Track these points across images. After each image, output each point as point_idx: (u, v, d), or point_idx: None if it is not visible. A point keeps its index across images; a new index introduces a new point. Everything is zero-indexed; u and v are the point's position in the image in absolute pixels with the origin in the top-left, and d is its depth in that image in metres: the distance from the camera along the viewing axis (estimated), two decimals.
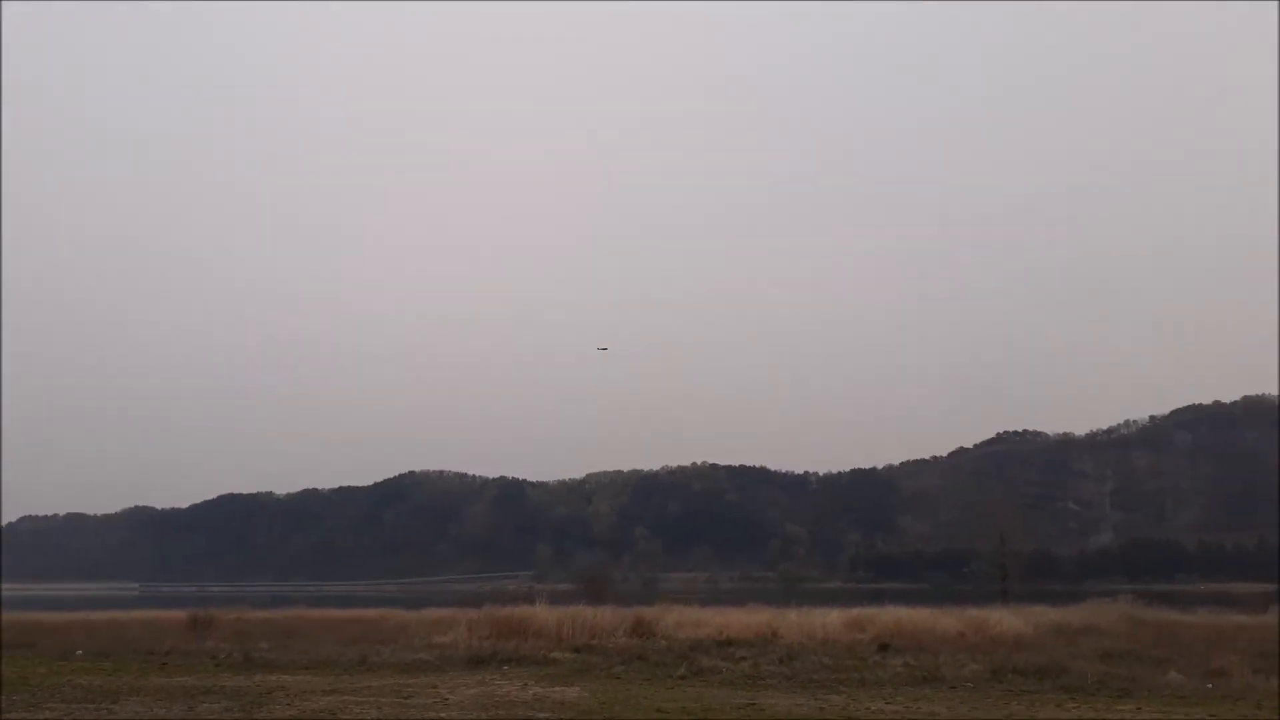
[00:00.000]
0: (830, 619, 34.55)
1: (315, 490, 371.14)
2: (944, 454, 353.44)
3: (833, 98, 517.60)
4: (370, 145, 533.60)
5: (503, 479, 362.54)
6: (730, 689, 20.19)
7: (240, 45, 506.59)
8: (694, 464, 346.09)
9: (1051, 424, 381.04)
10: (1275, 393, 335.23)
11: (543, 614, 33.10)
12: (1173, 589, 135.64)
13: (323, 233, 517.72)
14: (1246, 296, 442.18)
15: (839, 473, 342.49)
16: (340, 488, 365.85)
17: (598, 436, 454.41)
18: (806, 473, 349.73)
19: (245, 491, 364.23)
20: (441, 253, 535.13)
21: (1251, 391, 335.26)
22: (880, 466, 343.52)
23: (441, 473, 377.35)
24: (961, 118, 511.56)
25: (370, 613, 52.05)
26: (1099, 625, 37.37)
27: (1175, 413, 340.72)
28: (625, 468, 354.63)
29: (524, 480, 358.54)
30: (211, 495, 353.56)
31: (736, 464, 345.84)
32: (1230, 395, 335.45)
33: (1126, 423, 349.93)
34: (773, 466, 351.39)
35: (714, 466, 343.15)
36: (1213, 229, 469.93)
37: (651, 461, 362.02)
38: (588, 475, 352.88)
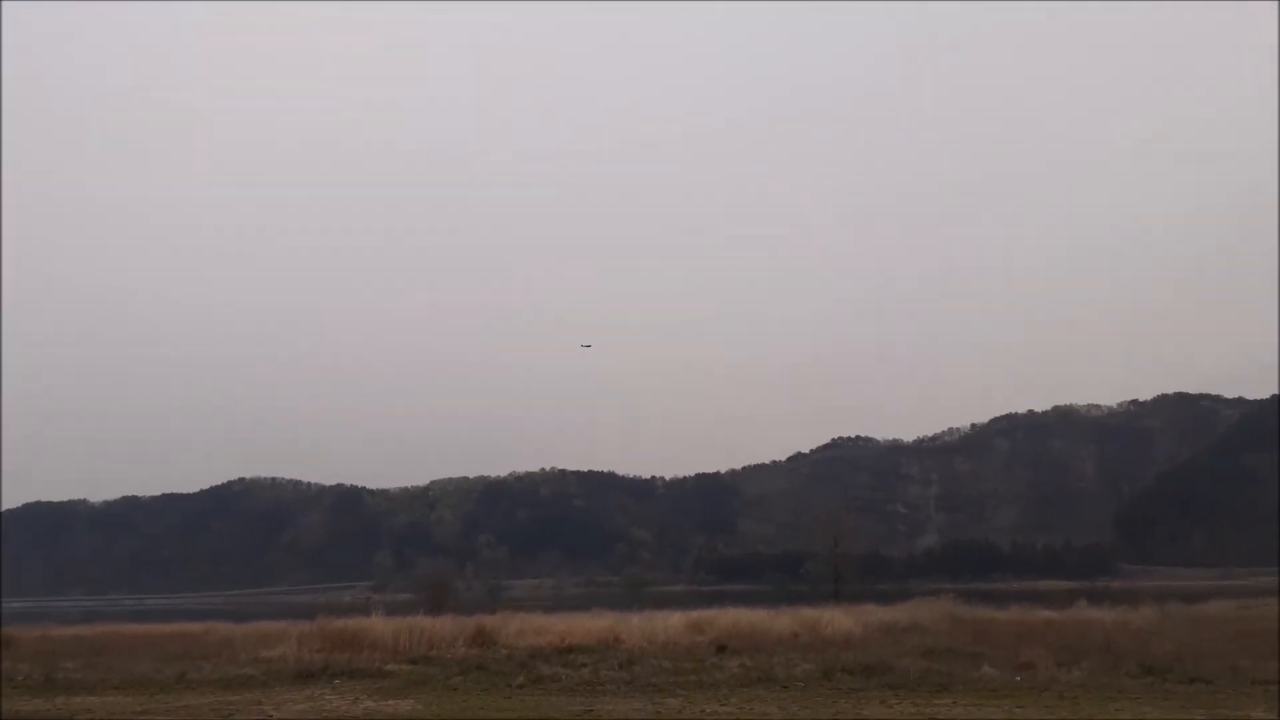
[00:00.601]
0: (672, 622, 34.81)
1: (135, 497, 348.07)
2: (783, 459, 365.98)
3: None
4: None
5: (340, 486, 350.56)
6: (569, 696, 20.07)
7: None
8: (543, 470, 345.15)
9: (883, 430, 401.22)
10: (1083, 403, 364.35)
11: (379, 625, 32.03)
12: (990, 587, 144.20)
13: (138, 222, 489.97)
14: (1060, 312, 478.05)
15: (684, 477, 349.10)
16: (164, 495, 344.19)
17: (441, 442, 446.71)
18: (653, 477, 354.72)
19: (55, 500, 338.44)
20: (276, 246, 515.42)
21: (1061, 402, 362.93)
22: (724, 471, 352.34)
23: (274, 480, 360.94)
24: (806, 117, 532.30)
25: (194, 627, 49.01)
26: (923, 623, 39.11)
27: (994, 421, 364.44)
28: (471, 474, 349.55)
29: (363, 488, 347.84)
30: (16, 504, 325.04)
31: (585, 469, 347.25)
32: (1042, 405, 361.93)
33: (950, 430, 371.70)
34: (620, 472, 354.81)
35: (563, 472, 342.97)
36: (1039, 248, 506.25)
37: (499, 468, 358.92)
38: (431, 482, 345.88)
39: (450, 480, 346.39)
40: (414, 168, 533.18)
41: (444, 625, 33.16)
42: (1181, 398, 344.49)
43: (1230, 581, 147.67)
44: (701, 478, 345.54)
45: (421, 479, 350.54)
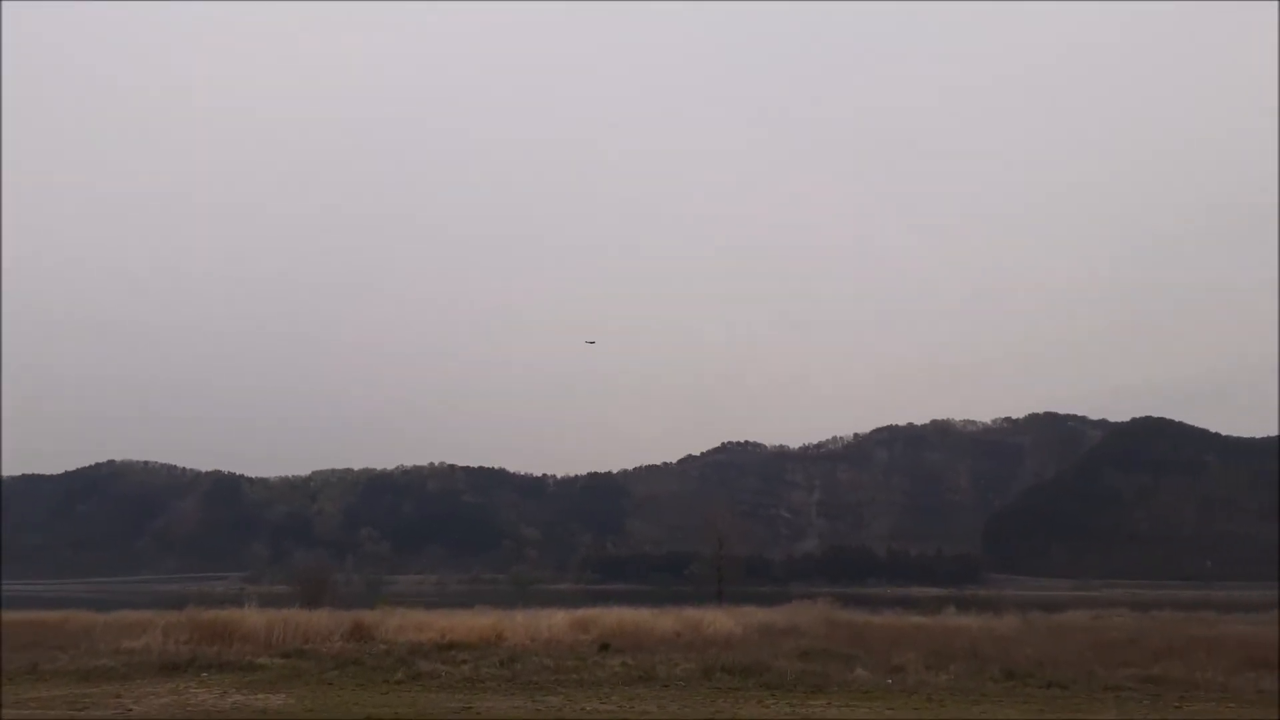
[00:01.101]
0: (556, 620, 34.71)
1: None
2: (674, 461, 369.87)
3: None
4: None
5: (217, 473, 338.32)
6: (448, 693, 19.79)
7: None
8: (431, 464, 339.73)
9: (770, 436, 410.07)
10: (960, 418, 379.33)
11: (251, 617, 30.94)
12: (866, 592, 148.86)
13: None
14: (946, 330, 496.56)
15: (576, 476, 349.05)
16: (24, 475, 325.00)
17: (325, 432, 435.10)
18: (544, 475, 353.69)
19: None
20: (170, 211, 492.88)
21: (940, 416, 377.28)
22: (615, 471, 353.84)
23: (146, 463, 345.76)
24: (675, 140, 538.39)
25: (51, 615, 46.23)
26: (801, 625, 40.01)
27: (876, 431, 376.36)
28: (356, 466, 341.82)
29: (241, 475, 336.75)
30: None
31: (475, 465, 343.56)
32: (922, 419, 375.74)
33: (834, 439, 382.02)
34: (511, 468, 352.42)
35: (452, 467, 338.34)
36: (911, 271, 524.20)
37: (385, 460, 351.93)
38: (313, 473, 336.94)
39: (333, 471, 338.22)
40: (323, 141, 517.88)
41: (320, 619, 32.28)
42: (1051, 417, 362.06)
43: (1087, 593, 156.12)
44: (593, 477, 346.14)
45: (303, 469, 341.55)
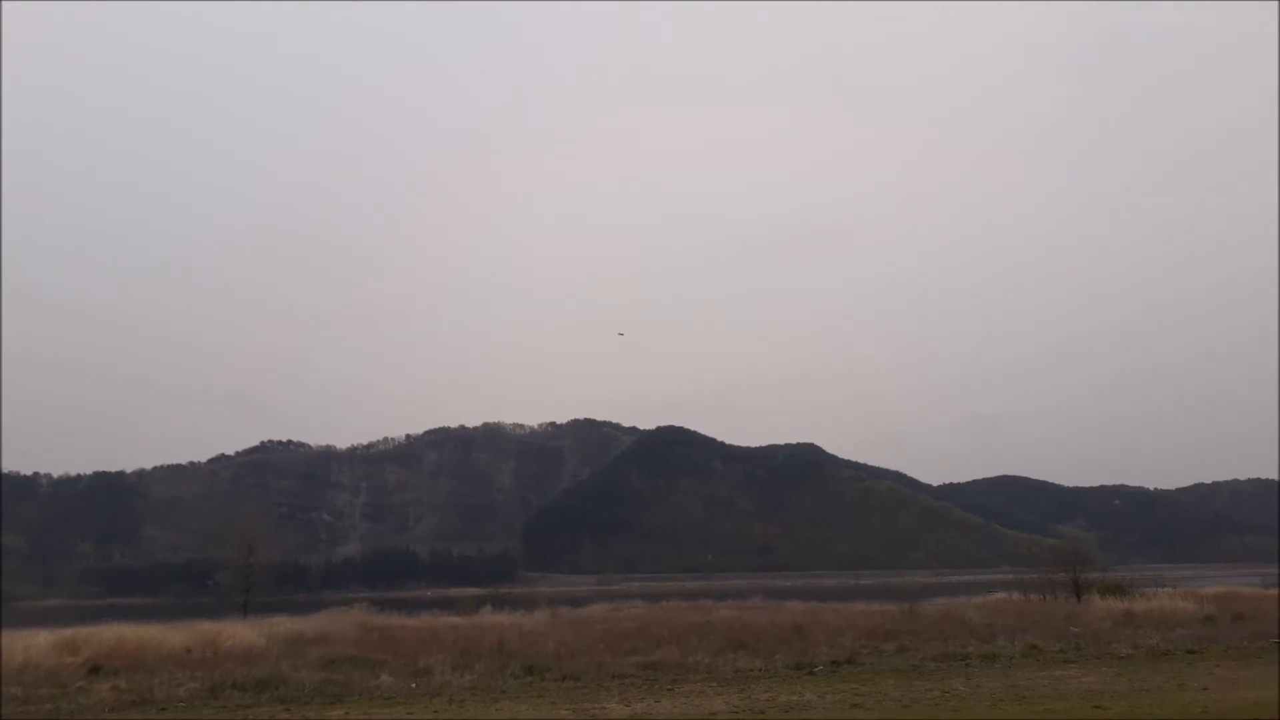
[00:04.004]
0: (37, 642, 29.98)
1: None
2: (203, 460, 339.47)
3: None
4: None
5: None
6: None
7: None
8: None
9: (315, 436, 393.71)
10: (509, 421, 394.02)
11: None
12: (406, 595, 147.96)
13: None
14: (489, 334, 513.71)
15: (77, 475, 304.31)
16: None
17: None
18: (36, 473, 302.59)
19: None
20: None
21: (491, 419, 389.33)
22: (129, 470, 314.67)
23: None
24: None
25: None
26: (332, 634, 38.51)
27: (428, 433, 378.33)
28: None
29: None
30: None
31: None
32: (474, 421, 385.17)
33: (385, 439, 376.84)
34: None
35: None
36: (470, 278, 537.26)
37: None
38: None
39: None
40: None
41: None
42: (589, 423, 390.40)
43: (610, 587, 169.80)
44: (100, 477, 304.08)
45: None
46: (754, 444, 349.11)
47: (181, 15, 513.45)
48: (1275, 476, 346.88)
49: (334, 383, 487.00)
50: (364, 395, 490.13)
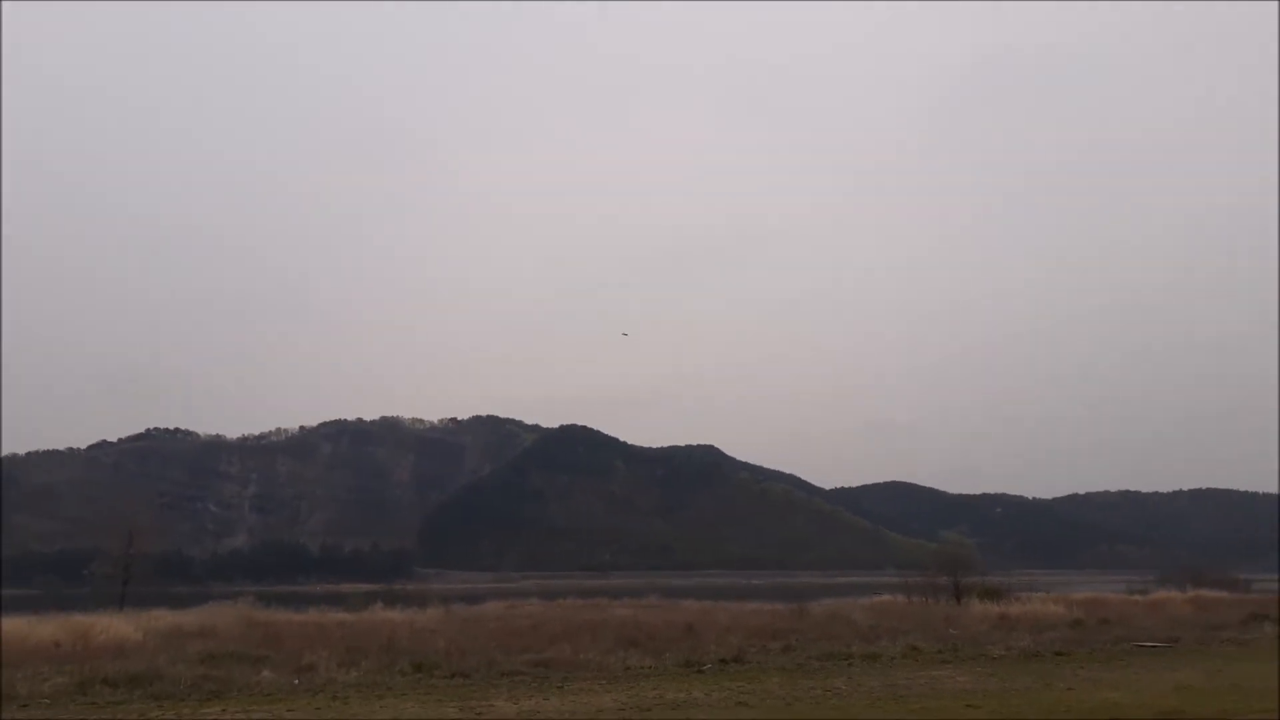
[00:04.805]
0: None
1: None
2: (83, 447, 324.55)
3: None
4: None
5: None
6: None
7: None
8: None
9: (205, 425, 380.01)
10: (409, 416, 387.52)
11: None
12: (295, 590, 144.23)
13: None
14: (390, 327, 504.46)
15: None
16: None
17: None
18: None
19: None
20: None
21: (390, 413, 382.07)
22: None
23: None
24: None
25: None
26: (214, 628, 37.33)
27: (323, 425, 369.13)
28: None
29: None
30: None
31: None
32: (372, 414, 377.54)
33: (278, 430, 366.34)
34: None
35: None
36: (364, 270, 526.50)
37: None
38: None
39: None
40: None
41: None
42: (492, 419, 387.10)
43: (508, 584, 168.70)
44: None
45: None
46: (656, 444, 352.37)
47: None
48: (1143, 489, 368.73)
49: (226, 372, 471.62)
50: (257, 386, 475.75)
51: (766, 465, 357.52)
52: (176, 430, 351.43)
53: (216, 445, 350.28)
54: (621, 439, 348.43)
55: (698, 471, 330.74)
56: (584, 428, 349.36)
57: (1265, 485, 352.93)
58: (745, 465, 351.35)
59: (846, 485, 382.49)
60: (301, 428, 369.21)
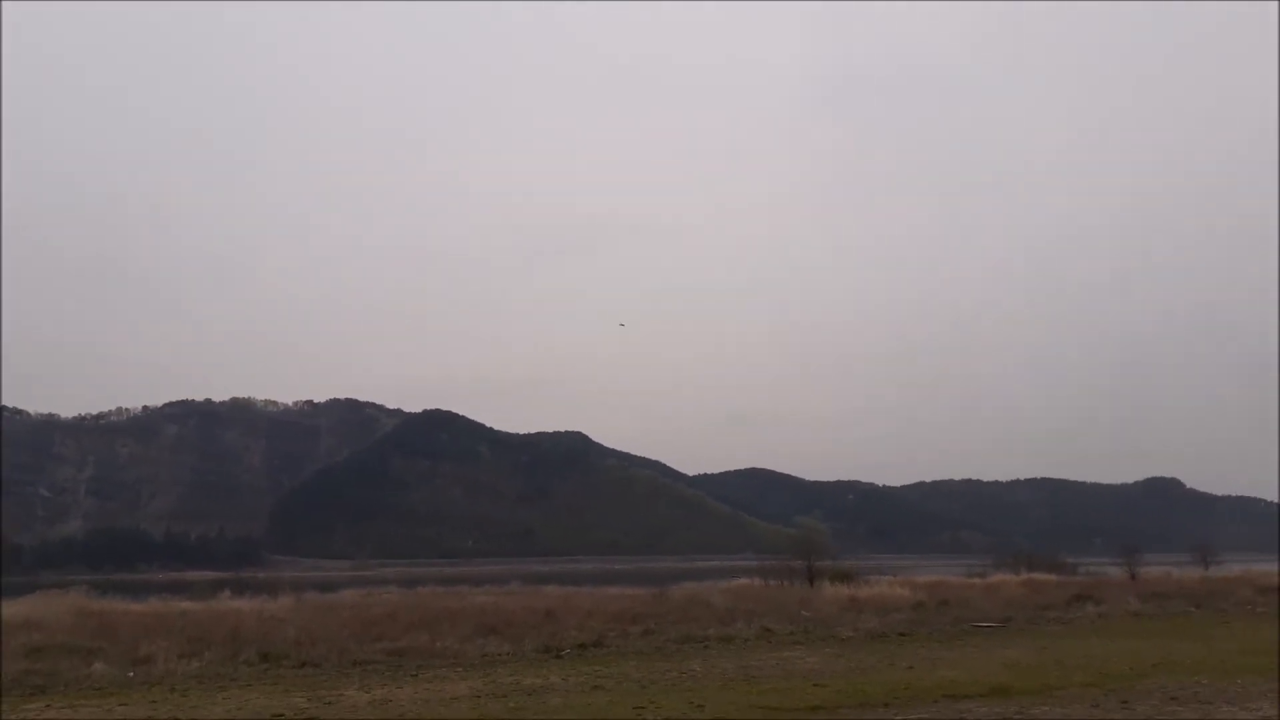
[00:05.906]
0: None
1: None
2: None
3: None
4: None
5: None
6: None
7: None
8: None
9: (36, 404, 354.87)
10: (261, 398, 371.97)
11: None
12: (135, 578, 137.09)
13: None
14: (237, 307, 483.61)
15: None
16: None
17: None
18: None
19: None
20: None
21: (241, 395, 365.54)
22: None
23: None
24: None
25: None
26: (41, 620, 34.94)
27: (168, 405, 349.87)
28: None
29: None
30: None
31: None
32: (221, 396, 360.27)
33: (119, 410, 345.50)
34: None
35: None
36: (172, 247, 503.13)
37: None
38: None
39: None
40: None
41: None
42: (351, 403, 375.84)
43: (365, 572, 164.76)
44: None
45: None
46: (524, 431, 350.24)
47: None
48: (984, 478, 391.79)
49: (61, 347, 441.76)
50: (96, 362, 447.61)
51: (634, 453, 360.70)
52: (5, 409, 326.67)
53: (50, 425, 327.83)
54: (488, 425, 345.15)
55: (564, 458, 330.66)
56: (449, 413, 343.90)
57: (1094, 476, 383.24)
58: (613, 452, 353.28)
59: (709, 472, 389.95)
60: (145, 408, 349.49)
